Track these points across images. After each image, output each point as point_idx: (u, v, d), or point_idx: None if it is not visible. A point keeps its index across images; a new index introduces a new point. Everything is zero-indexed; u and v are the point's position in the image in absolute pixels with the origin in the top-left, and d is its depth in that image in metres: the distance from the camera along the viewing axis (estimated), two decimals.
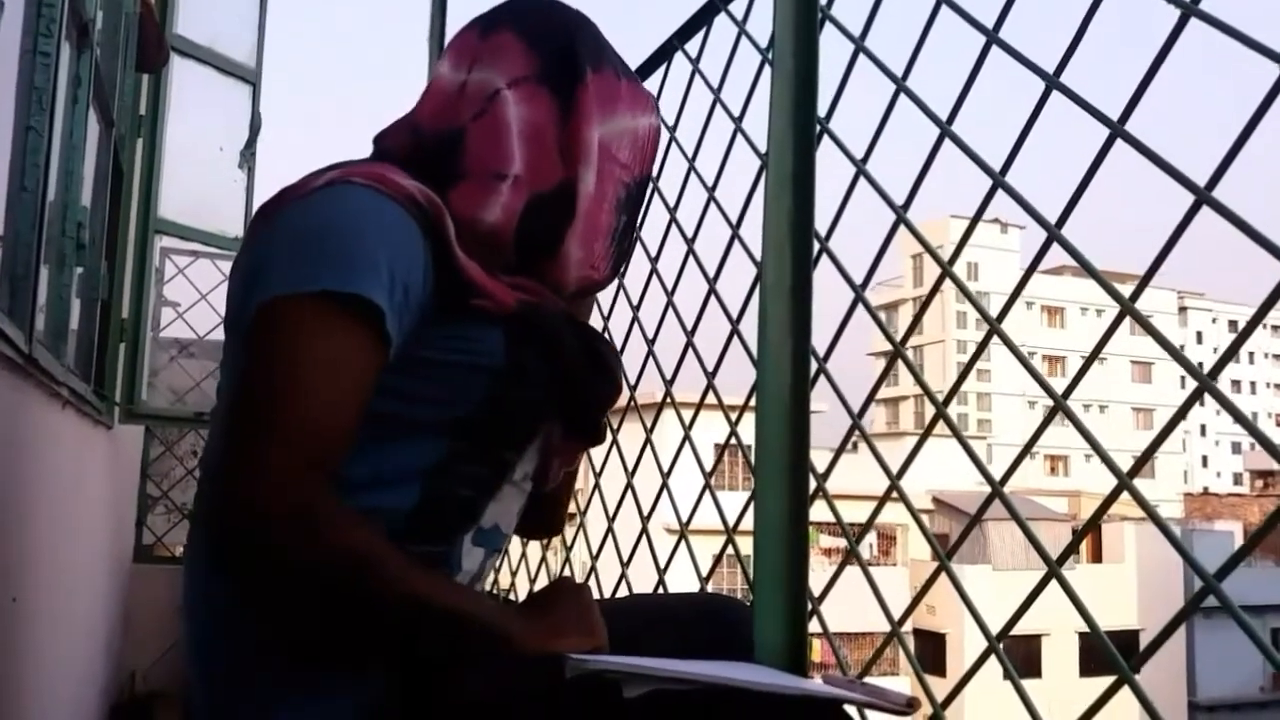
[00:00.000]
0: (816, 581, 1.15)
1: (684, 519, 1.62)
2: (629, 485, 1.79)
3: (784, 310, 1.18)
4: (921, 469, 24.05)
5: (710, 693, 0.88)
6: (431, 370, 0.96)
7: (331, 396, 0.88)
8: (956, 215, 42.61)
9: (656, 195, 1.80)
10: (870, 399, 1.26)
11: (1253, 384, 65.40)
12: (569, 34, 1.08)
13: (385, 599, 0.88)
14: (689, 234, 1.69)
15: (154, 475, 4.34)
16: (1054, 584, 0.97)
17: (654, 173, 1.16)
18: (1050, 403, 0.99)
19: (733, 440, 1.50)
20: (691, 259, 1.67)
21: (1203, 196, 0.85)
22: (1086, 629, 0.96)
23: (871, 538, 27.78)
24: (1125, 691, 0.89)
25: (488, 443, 1.00)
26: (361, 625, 0.90)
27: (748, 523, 1.23)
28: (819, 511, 1.23)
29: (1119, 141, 0.94)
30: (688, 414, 1.68)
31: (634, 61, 1.85)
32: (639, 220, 1.15)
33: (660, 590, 1.57)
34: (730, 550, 1.48)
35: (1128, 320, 0.94)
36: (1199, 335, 62.97)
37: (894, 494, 1.21)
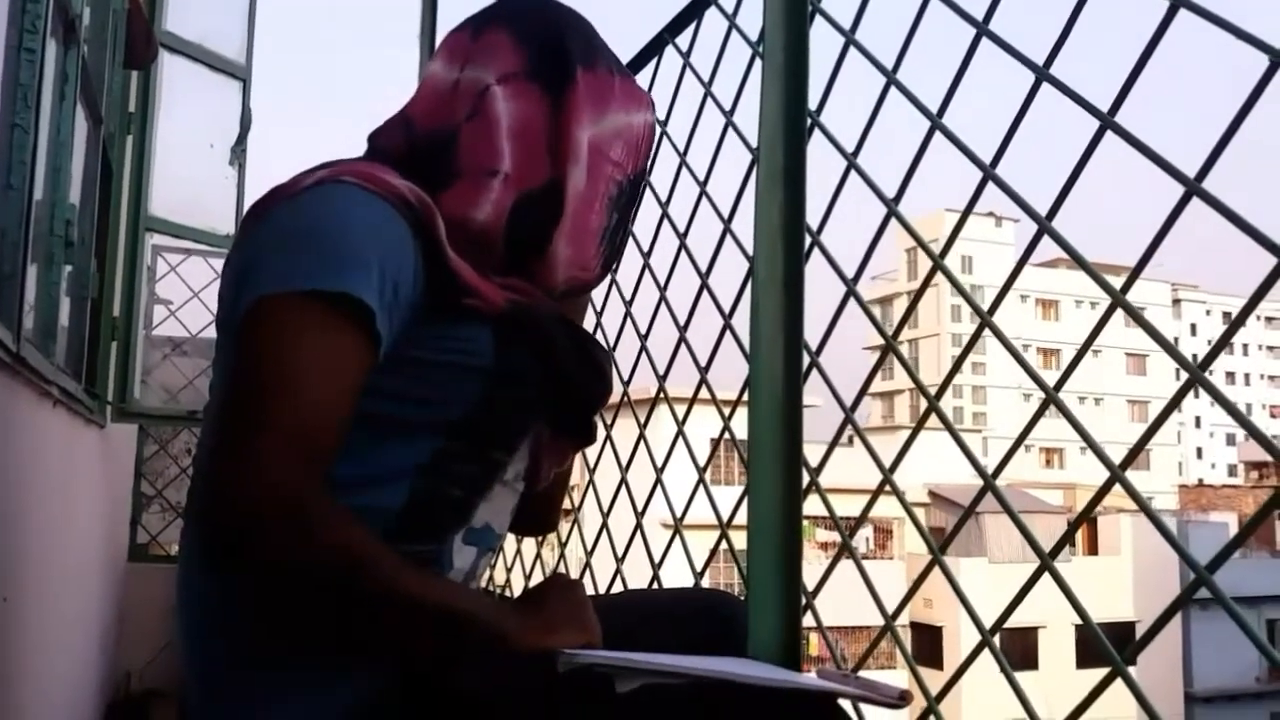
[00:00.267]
0: (811, 575, 1.14)
1: (678, 514, 1.61)
2: (623, 480, 1.79)
3: (776, 304, 1.18)
4: (918, 462, 24.07)
5: (703, 687, 0.88)
6: (422, 370, 0.96)
7: (321, 395, 0.87)
8: (950, 209, 42.66)
9: (648, 190, 1.80)
10: (862, 393, 1.25)
11: (1246, 376, 65.58)
12: (559, 31, 1.08)
13: (376, 597, 0.88)
14: (681, 228, 1.68)
15: (148, 474, 4.33)
16: (1049, 576, 0.96)
17: (648, 170, 1.15)
18: (1044, 395, 0.99)
19: (726, 435, 1.50)
20: (683, 253, 1.67)
21: (1193, 188, 0.84)
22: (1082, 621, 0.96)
23: (868, 531, 27.84)
24: (1122, 682, 0.89)
25: (478, 443, 1.00)
26: (353, 623, 0.90)
27: (742, 517, 1.23)
28: (813, 506, 1.23)
29: (1111, 134, 0.94)
30: (681, 409, 1.67)
31: (624, 56, 1.84)
32: (629, 220, 1.15)
33: (655, 585, 1.57)
34: (725, 545, 1.48)
35: (1122, 312, 0.94)
36: (1193, 327, 63.11)
37: (889, 487, 1.20)
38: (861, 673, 0.98)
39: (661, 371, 1.73)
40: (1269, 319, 66.27)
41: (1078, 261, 0.99)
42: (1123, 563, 27.84)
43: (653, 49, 1.82)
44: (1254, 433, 0.80)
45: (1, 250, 1.59)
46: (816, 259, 1.28)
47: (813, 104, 1.26)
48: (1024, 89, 1.03)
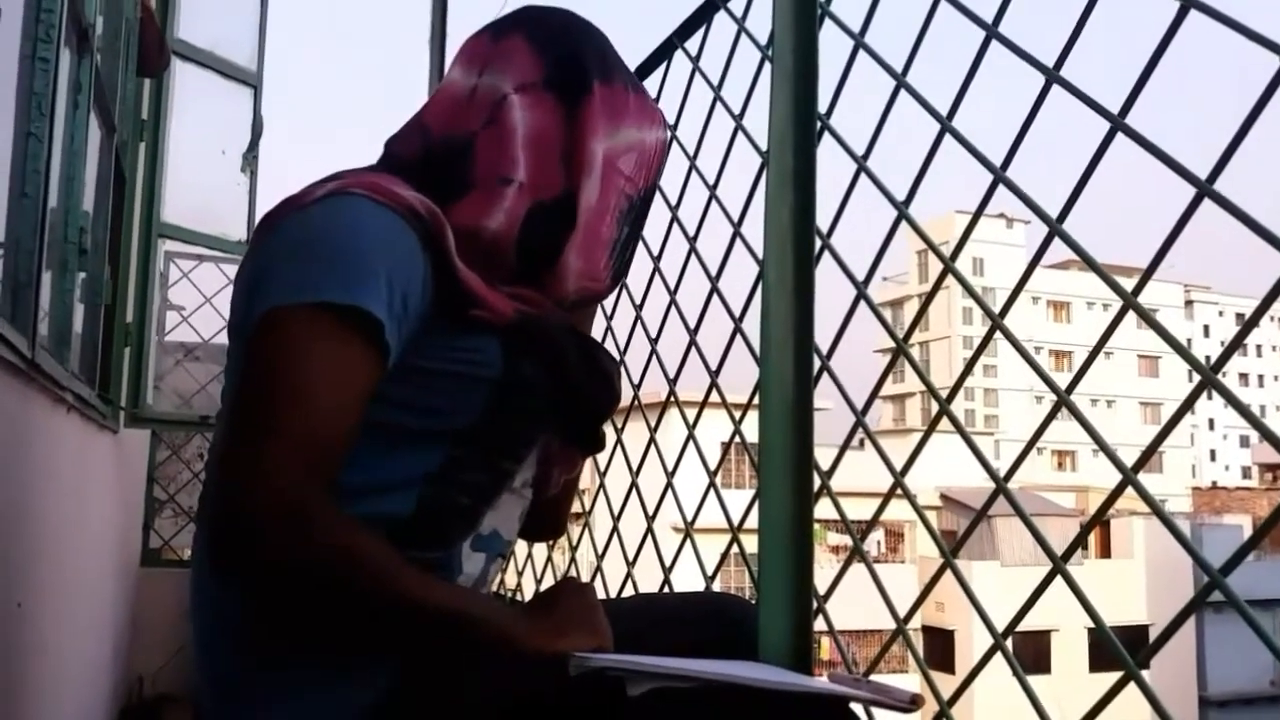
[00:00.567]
0: (822, 579, 1.14)
1: (689, 517, 1.61)
2: (634, 484, 1.79)
3: (786, 308, 1.18)
4: (930, 465, 24.01)
5: (715, 690, 0.88)
6: (430, 380, 0.96)
7: (329, 405, 0.88)
8: (961, 210, 42.56)
9: (658, 193, 1.80)
10: (873, 396, 1.25)
11: (1260, 377, 65.20)
12: (578, 43, 1.08)
13: (384, 602, 0.89)
14: (691, 232, 1.69)
15: (160, 479, 4.35)
16: (1061, 580, 0.96)
17: (656, 187, 1.16)
18: (1055, 398, 0.99)
19: (737, 438, 1.50)
20: (694, 257, 1.67)
21: (1204, 189, 0.84)
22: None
23: (879, 535, 27.75)
24: (1135, 686, 0.89)
25: (486, 452, 1.01)
26: (361, 627, 0.91)
27: (753, 521, 1.23)
28: (824, 509, 1.22)
29: (1122, 135, 0.94)
30: (692, 412, 1.67)
31: (634, 60, 1.85)
32: (639, 235, 1.15)
33: (666, 589, 1.57)
34: (736, 549, 1.47)
35: (1134, 314, 0.94)
36: (1206, 329, 62.76)
37: (900, 491, 1.20)
38: (873, 677, 0.98)
39: (672, 375, 1.73)
40: None
41: (1089, 263, 0.98)
42: (1136, 566, 27.67)
43: (662, 53, 1.82)
44: (1267, 435, 0.80)
45: (16, 258, 1.60)
46: (827, 262, 1.28)
47: (822, 107, 1.26)
48: (1034, 91, 1.03)
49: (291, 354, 0.88)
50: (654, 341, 1.76)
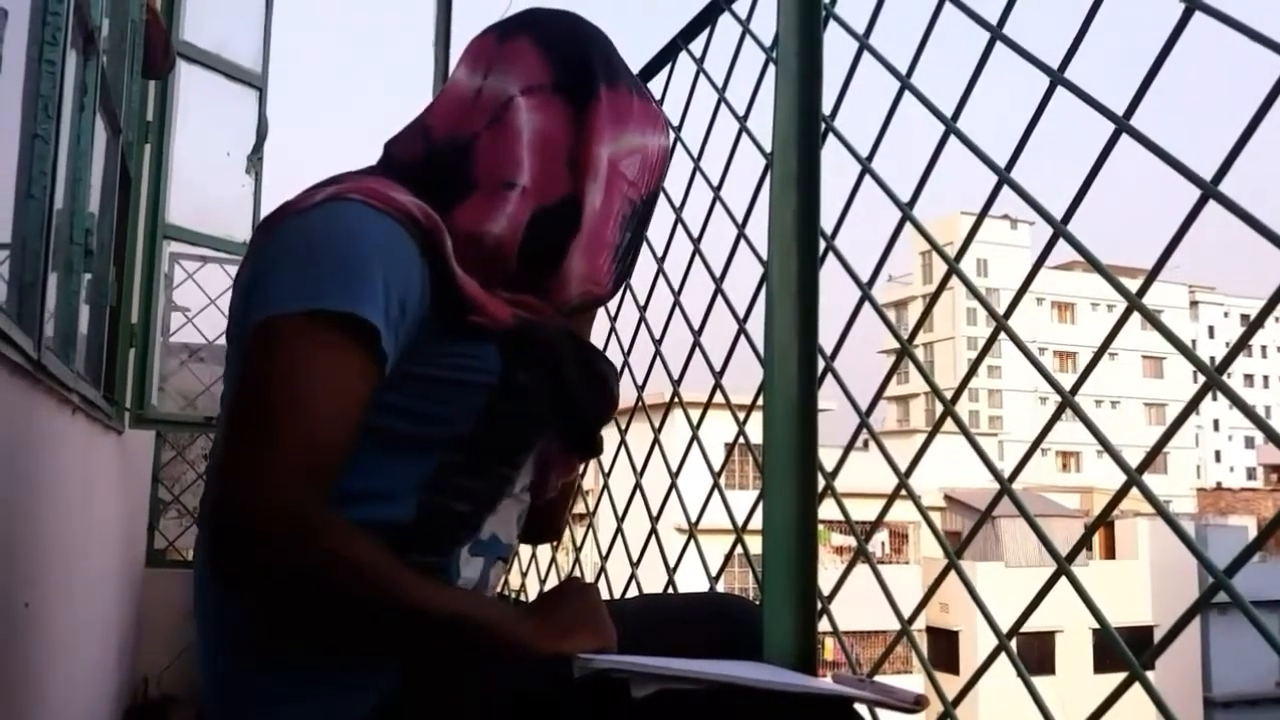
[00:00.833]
0: (827, 580, 1.14)
1: (693, 518, 1.62)
2: (638, 485, 1.79)
3: (790, 309, 1.18)
4: (934, 466, 23.96)
5: (719, 691, 0.88)
6: (428, 387, 0.96)
7: (328, 413, 0.88)
8: (966, 211, 42.51)
9: (662, 195, 1.80)
10: (878, 397, 1.25)
11: (1265, 378, 65.04)
12: (586, 47, 1.08)
13: (383, 607, 0.89)
14: (695, 234, 1.69)
15: (165, 480, 4.36)
16: (1066, 581, 0.96)
17: (659, 193, 1.16)
18: (1060, 399, 0.99)
19: (741, 439, 1.50)
20: (698, 258, 1.67)
21: (1209, 190, 0.84)
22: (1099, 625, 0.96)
23: (883, 536, 27.72)
24: (1139, 687, 0.89)
25: (485, 458, 1.01)
26: (360, 632, 0.91)
27: (757, 522, 1.23)
28: (829, 510, 1.22)
29: (1127, 136, 0.94)
30: (696, 413, 1.67)
31: (638, 62, 1.85)
32: (641, 240, 1.15)
33: (670, 590, 1.57)
34: (740, 550, 1.48)
35: (1139, 315, 0.94)
36: (1211, 330, 62.64)
37: (904, 491, 1.20)
38: (877, 677, 0.98)
39: (676, 376, 1.73)
40: None
41: (1093, 264, 0.99)
42: (1140, 567, 27.62)
43: (666, 55, 1.82)
44: (1272, 436, 0.80)
45: (23, 259, 1.60)
46: (831, 263, 1.29)
47: (826, 108, 1.26)
48: (1039, 92, 1.03)
49: (290, 361, 0.88)
50: (658, 342, 1.77)
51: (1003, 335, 1.05)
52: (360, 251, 0.92)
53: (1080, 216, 1.01)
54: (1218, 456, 64.19)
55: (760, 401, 1.22)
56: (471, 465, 0.99)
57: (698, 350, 1.66)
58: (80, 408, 2.04)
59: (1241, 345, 0.86)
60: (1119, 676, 0.88)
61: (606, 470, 1.91)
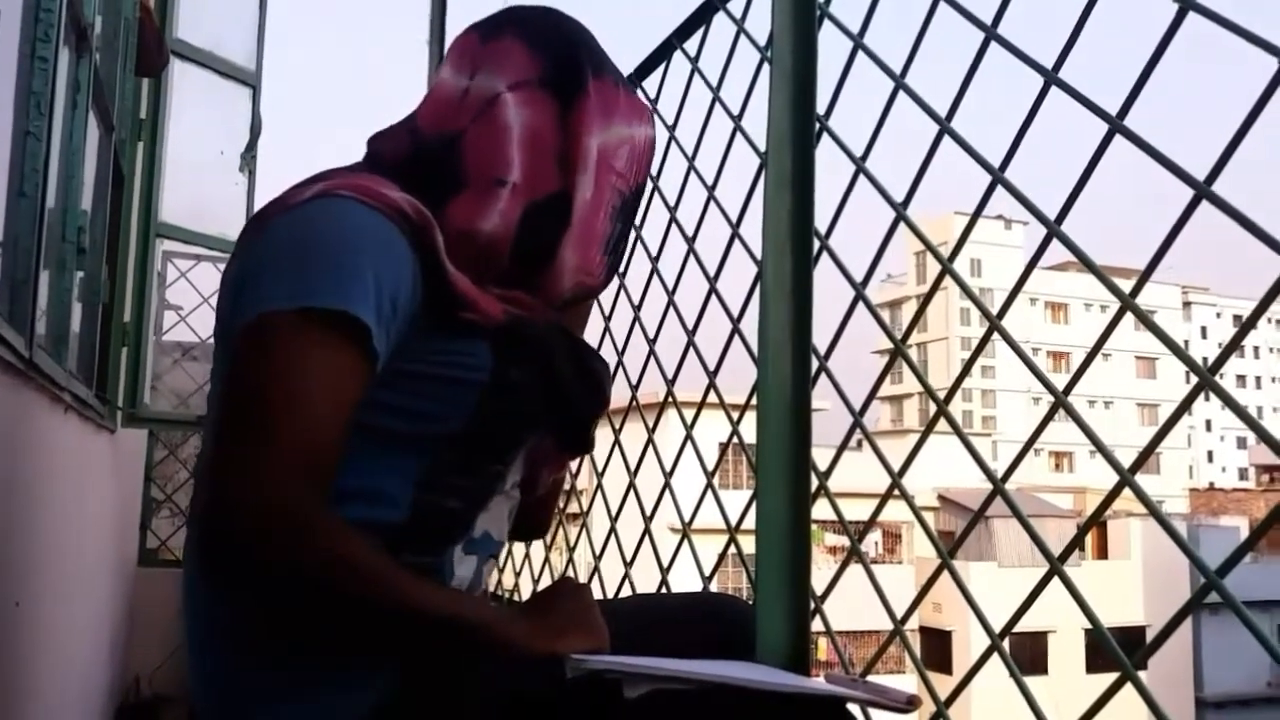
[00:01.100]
0: (820, 580, 1.14)
1: (687, 518, 1.61)
2: (631, 485, 1.79)
3: (785, 309, 1.18)
4: (928, 466, 23.99)
5: (712, 692, 0.88)
6: (419, 384, 0.96)
7: (320, 411, 0.88)
8: (960, 212, 42.56)
9: (657, 195, 1.80)
10: (871, 397, 1.25)
11: (1258, 379, 65.24)
12: (571, 40, 1.08)
13: (378, 608, 0.88)
14: (689, 233, 1.69)
15: (158, 479, 4.35)
16: (1058, 581, 0.96)
17: (648, 184, 1.16)
18: (1053, 399, 0.99)
19: (735, 439, 1.50)
20: (692, 258, 1.67)
21: (1202, 191, 0.84)
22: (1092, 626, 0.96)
23: (877, 536, 27.76)
24: (1131, 687, 0.89)
25: (476, 455, 1.00)
26: (355, 633, 0.90)
27: (751, 521, 1.23)
28: (822, 510, 1.22)
29: (1123, 137, 0.94)
30: (689, 413, 1.67)
31: (633, 61, 1.85)
32: (630, 231, 1.15)
33: (663, 590, 1.57)
34: (733, 549, 1.47)
35: (1132, 316, 0.94)
36: (1204, 330, 62.80)
37: (898, 491, 1.20)
38: (870, 677, 0.98)
39: (670, 376, 1.73)
40: None
41: (1087, 265, 0.99)
42: (1133, 567, 27.69)
43: (661, 54, 1.82)
44: (1264, 436, 0.80)
45: (15, 257, 1.60)
46: (825, 262, 1.29)
47: (821, 108, 1.26)
48: (1033, 92, 1.04)
49: (282, 360, 0.88)
50: (652, 342, 1.76)
51: (996, 335, 1.05)
52: (351, 248, 0.91)
53: (1074, 217, 1.01)
54: (1210, 457, 64.37)
55: (754, 401, 1.22)
56: (463, 462, 0.99)
57: (692, 350, 1.66)
58: (72, 406, 2.03)
59: (1234, 346, 0.86)
60: (1111, 676, 0.88)
61: (600, 470, 1.91)
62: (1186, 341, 59.77)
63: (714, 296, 1.60)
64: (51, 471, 1.82)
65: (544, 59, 1.06)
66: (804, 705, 0.92)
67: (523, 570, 2.22)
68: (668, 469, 1.69)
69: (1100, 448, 0.95)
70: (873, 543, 27.62)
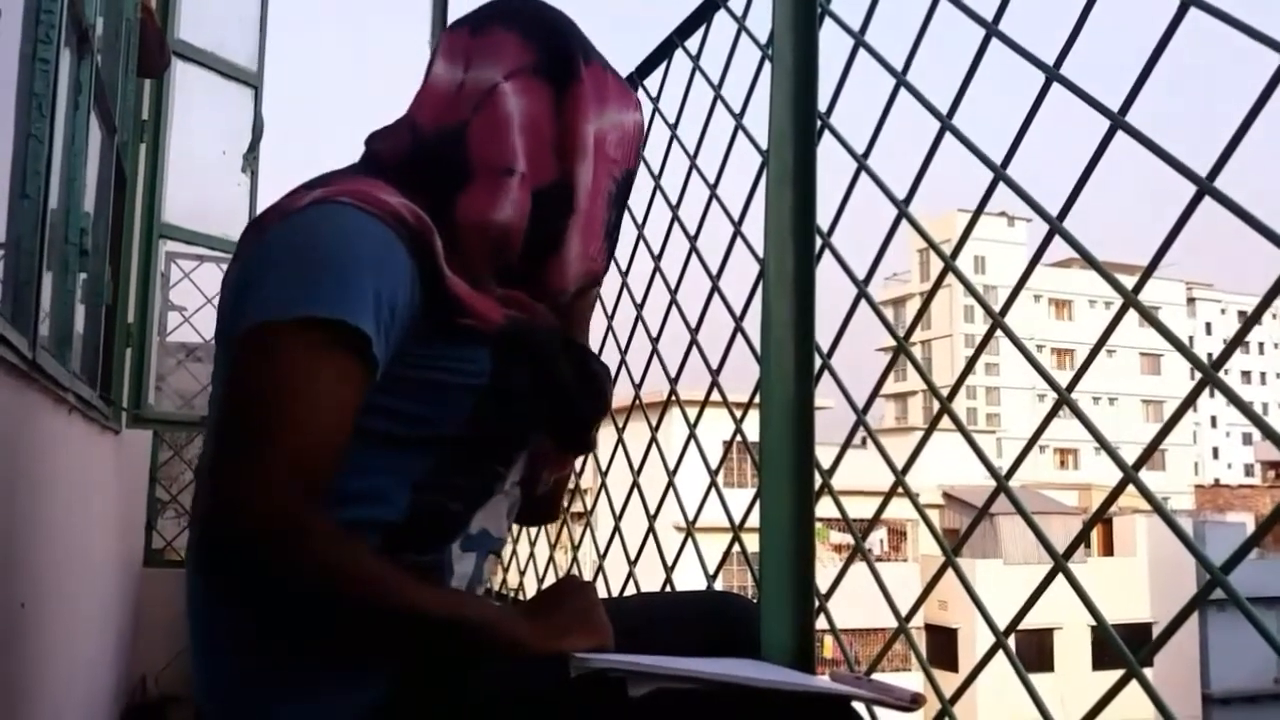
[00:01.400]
0: (824, 578, 1.14)
1: (691, 517, 1.61)
2: (635, 484, 1.79)
3: (787, 306, 1.18)
4: (933, 463, 23.99)
5: (716, 691, 0.87)
6: (419, 389, 0.96)
7: (319, 419, 0.88)
8: (963, 209, 42.52)
9: (659, 193, 1.80)
10: (874, 394, 1.25)
11: (1262, 375, 65.09)
12: (561, 29, 1.09)
13: (380, 613, 0.89)
14: (691, 231, 1.69)
15: (163, 479, 4.36)
16: (1063, 578, 0.96)
17: (638, 169, 1.17)
18: (1057, 396, 0.99)
19: (738, 437, 1.50)
20: (694, 256, 1.67)
21: (1204, 187, 0.84)
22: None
23: (881, 533, 27.74)
24: (1137, 684, 0.89)
25: (476, 458, 1.01)
26: (357, 637, 0.91)
27: (755, 520, 1.23)
28: (826, 508, 1.22)
29: (1125, 133, 0.94)
30: (693, 412, 1.67)
31: (634, 60, 1.85)
32: (624, 216, 1.16)
33: (667, 588, 1.57)
34: (737, 548, 1.47)
35: (1136, 312, 0.94)
36: (1208, 326, 62.68)
37: (902, 489, 1.20)
38: (875, 675, 0.98)
39: (673, 374, 1.73)
40: None
41: (1089, 261, 0.98)
42: (1138, 564, 27.67)
43: (662, 52, 1.82)
44: (1269, 432, 0.80)
45: (18, 258, 1.60)
46: (827, 260, 1.28)
47: (822, 105, 1.26)
48: (1035, 89, 1.03)
49: (282, 369, 0.88)
50: (655, 341, 1.76)
51: (1000, 332, 1.04)
52: (350, 256, 0.91)
53: (1077, 213, 1.01)
54: (1215, 453, 64.27)
55: (757, 399, 1.22)
56: (463, 464, 0.99)
57: (695, 348, 1.66)
58: (76, 407, 2.03)
59: (1238, 341, 0.86)
60: (1117, 673, 0.88)
61: (604, 469, 1.91)
62: (1190, 338, 59.69)
63: (716, 294, 1.59)
64: (56, 473, 1.82)
65: (537, 47, 1.06)
66: (809, 704, 0.91)
67: (527, 569, 2.22)
68: (671, 467, 1.69)
69: (1105, 444, 0.95)
70: (877, 540, 27.58)
